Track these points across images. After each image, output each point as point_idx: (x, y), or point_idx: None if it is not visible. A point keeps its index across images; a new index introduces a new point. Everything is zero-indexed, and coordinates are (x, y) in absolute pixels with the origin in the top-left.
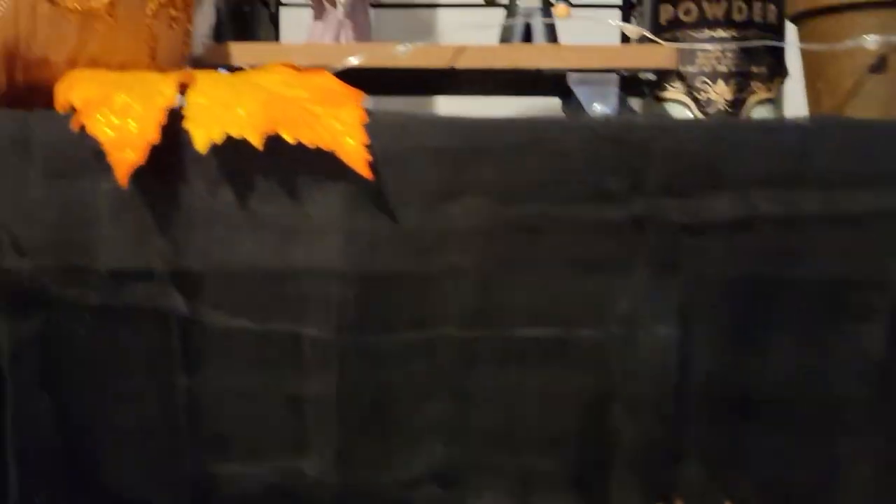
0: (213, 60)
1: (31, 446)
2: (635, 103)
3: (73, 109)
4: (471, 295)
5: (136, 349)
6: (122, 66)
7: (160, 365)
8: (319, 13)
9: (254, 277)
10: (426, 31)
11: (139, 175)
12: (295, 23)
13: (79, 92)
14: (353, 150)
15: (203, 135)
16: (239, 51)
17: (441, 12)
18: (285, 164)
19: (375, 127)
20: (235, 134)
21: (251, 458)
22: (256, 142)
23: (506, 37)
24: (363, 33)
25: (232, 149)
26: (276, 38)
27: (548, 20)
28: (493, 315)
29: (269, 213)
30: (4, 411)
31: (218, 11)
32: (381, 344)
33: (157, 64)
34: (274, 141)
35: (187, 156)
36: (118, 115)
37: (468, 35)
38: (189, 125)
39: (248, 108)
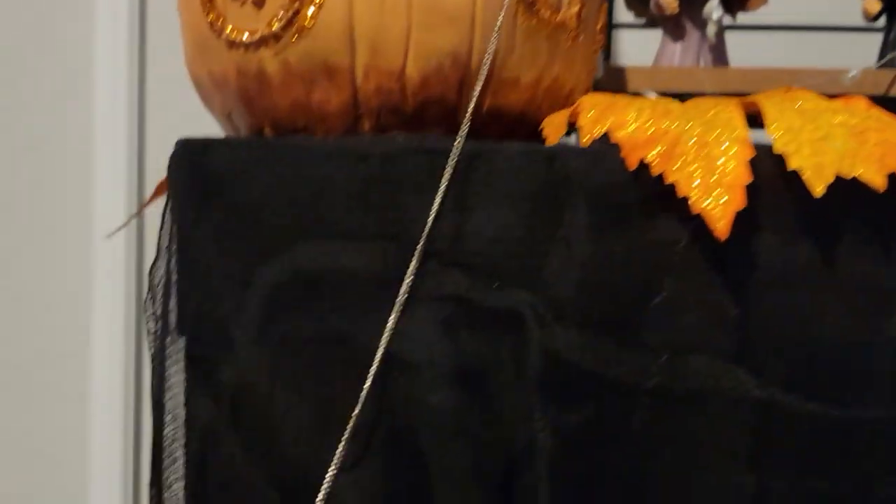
0: (610, 84)
1: None
2: None
3: (606, 142)
4: None
5: (693, 440)
6: (573, 90)
7: (724, 459)
8: (678, 34)
9: (838, 352)
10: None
11: (701, 226)
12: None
13: (616, 123)
14: None
15: (817, 175)
16: (637, 75)
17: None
18: (878, 213)
19: None
20: (856, 174)
21: None
22: (880, 183)
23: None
24: (721, 56)
25: (807, 193)
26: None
27: None
28: None
29: (860, 272)
30: None
31: (609, 31)
32: None
33: (589, 86)
34: (850, 185)
35: (760, 201)
36: (688, 153)
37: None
38: (796, 164)
39: (844, 145)
